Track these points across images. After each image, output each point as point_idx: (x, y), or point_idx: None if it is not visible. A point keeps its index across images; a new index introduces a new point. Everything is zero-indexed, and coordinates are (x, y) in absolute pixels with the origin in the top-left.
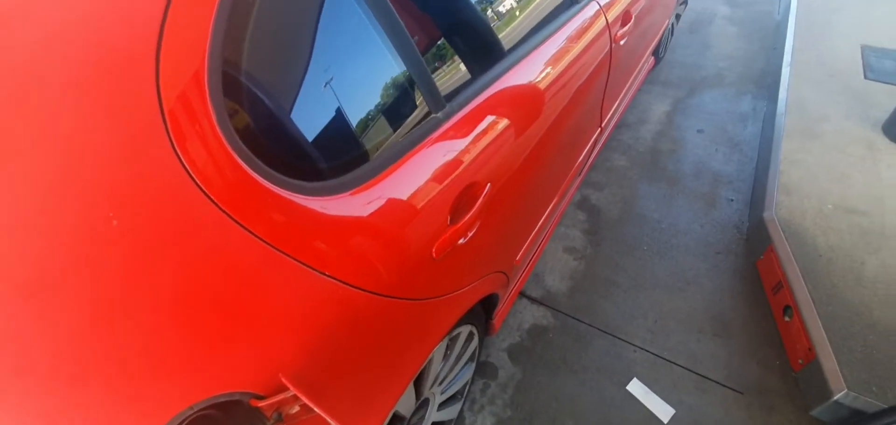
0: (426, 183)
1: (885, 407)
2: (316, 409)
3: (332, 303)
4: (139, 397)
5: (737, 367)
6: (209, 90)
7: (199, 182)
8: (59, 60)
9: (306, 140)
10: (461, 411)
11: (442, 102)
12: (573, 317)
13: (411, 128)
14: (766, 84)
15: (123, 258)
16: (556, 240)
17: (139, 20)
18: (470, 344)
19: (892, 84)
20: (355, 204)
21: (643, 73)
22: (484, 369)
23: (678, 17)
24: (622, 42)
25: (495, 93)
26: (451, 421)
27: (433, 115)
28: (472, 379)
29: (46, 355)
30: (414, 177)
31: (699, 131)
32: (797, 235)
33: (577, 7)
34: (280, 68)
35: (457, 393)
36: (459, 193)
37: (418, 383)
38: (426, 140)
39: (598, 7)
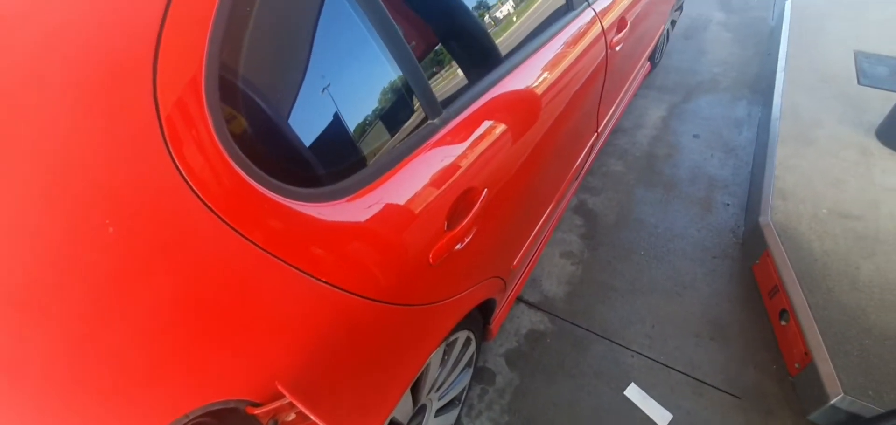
0: (423, 188)
1: (882, 411)
2: (312, 417)
3: (328, 309)
4: (134, 405)
5: (734, 372)
6: (206, 96)
7: (195, 188)
8: (57, 66)
9: (303, 146)
10: (458, 417)
11: (439, 108)
12: (571, 322)
13: (408, 134)
14: (761, 89)
15: (119, 264)
16: (554, 244)
17: (137, 26)
18: (467, 349)
19: (885, 89)
20: (352, 210)
21: (639, 78)
22: (481, 375)
23: (673, 23)
24: (618, 48)
25: (492, 98)
26: None
27: (430, 121)
28: (470, 384)
29: (40, 362)
30: (411, 182)
31: (695, 136)
32: (793, 240)
33: (573, 13)
34: (277, 74)
35: (454, 398)
36: (456, 199)
37: (415, 389)
38: (423, 146)
39: (593, 13)
